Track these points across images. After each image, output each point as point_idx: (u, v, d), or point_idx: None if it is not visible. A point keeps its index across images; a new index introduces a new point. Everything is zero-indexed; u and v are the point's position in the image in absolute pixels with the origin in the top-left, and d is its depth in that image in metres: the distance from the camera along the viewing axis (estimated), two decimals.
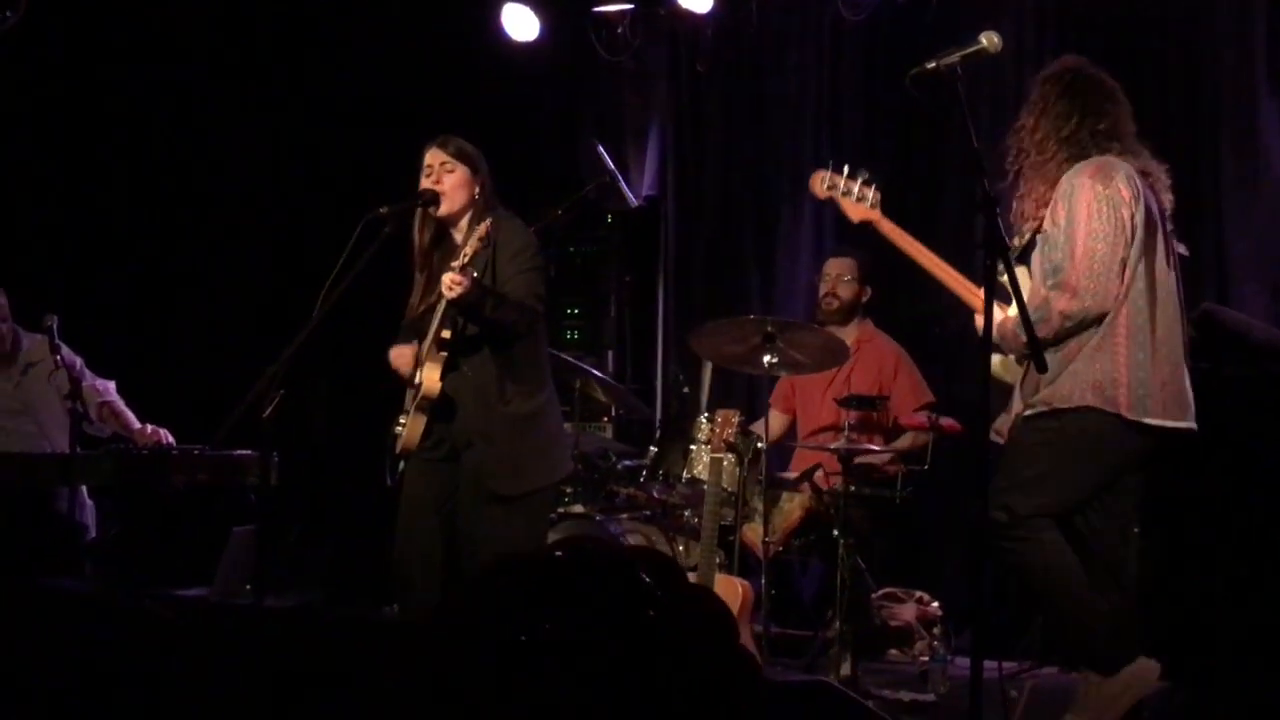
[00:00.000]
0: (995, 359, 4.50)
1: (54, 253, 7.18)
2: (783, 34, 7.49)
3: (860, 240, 7.04)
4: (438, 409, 4.78)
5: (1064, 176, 4.29)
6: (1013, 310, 4.11)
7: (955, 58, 3.80)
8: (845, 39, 7.34)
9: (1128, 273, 4.25)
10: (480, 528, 4.76)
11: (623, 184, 6.71)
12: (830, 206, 7.27)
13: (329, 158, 7.88)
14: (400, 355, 4.87)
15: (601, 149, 6.68)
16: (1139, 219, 4.27)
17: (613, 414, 7.20)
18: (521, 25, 7.61)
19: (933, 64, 3.81)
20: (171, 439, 6.34)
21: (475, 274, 4.57)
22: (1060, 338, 4.24)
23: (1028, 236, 4.32)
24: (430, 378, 4.74)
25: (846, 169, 4.71)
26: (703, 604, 1.96)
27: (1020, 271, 4.31)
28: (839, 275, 6.45)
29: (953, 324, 6.69)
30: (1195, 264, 5.41)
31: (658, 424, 7.27)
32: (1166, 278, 4.36)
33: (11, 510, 6.12)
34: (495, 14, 7.58)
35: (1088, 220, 4.21)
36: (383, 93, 7.82)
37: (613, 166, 6.65)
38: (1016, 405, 4.43)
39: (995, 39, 3.84)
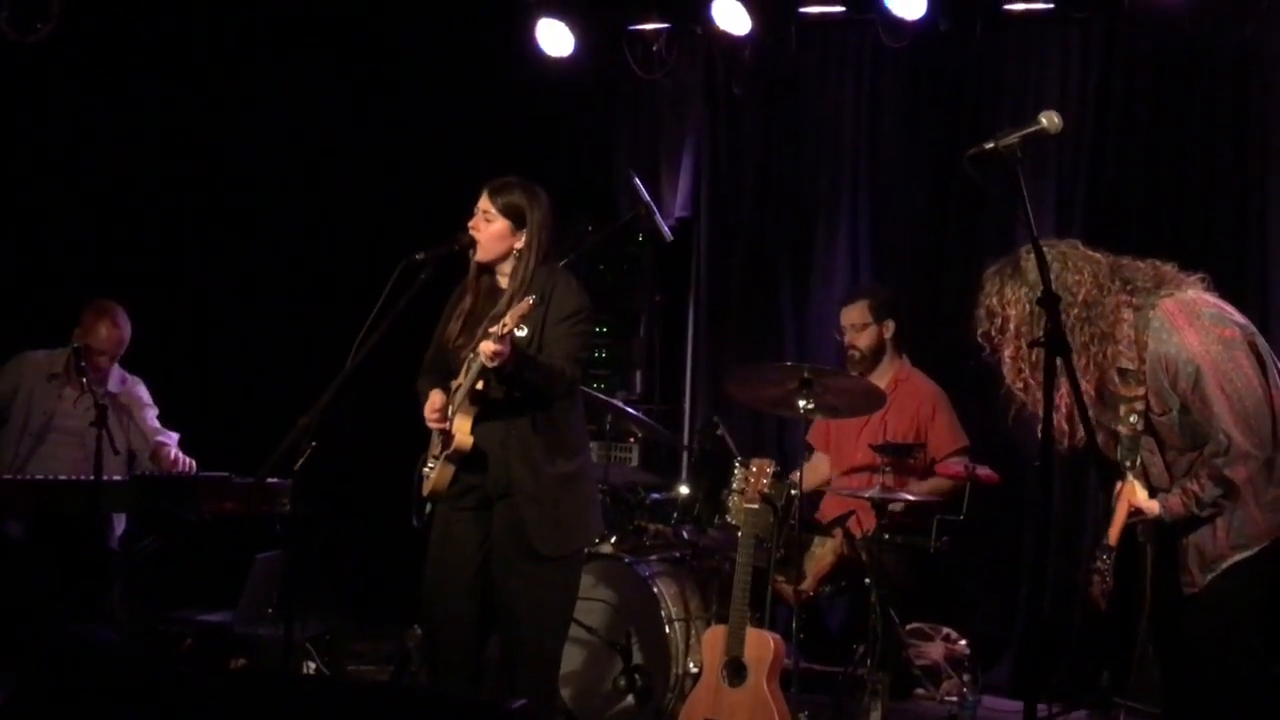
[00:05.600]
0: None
1: (93, 279, 7.14)
2: (822, 58, 7.40)
3: (884, 274, 7.07)
4: (467, 460, 4.71)
5: (1151, 341, 4.17)
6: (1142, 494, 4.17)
7: (1014, 138, 3.70)
8: (885, 65, 7.24)
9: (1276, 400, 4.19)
10: (518, 582, 4.70)
11: (658, 218, 6.59)
12: (865, 230, 7.33)
13: (360, 173, 7.81)
14: (431, 407, 4.76)
15: (638, 181, 6.57)
16: (1255, 343, 4.22)
17: (639, 435, 7.13)
18: (556, 40, 7.51)
19: (991, 144, 3.70)
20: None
21: (515, 339, 4.46)
22: None
23: (1138, 423, 4.18)
24: (462, 429, 4.67)
25: None
26: None
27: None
28: (852, 324, 6.38)
29: (986, 359, 6.65)
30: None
31: (684, 452, 7.21)
32: None
33: (41, 534, 6.11)
34: (530, 28, 7.48)
35: (1221, 386, 4.11)
36: (416, 102, 7.75)
37: (648, 198, 6.54)
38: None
39: (1056, 119, 3.74)
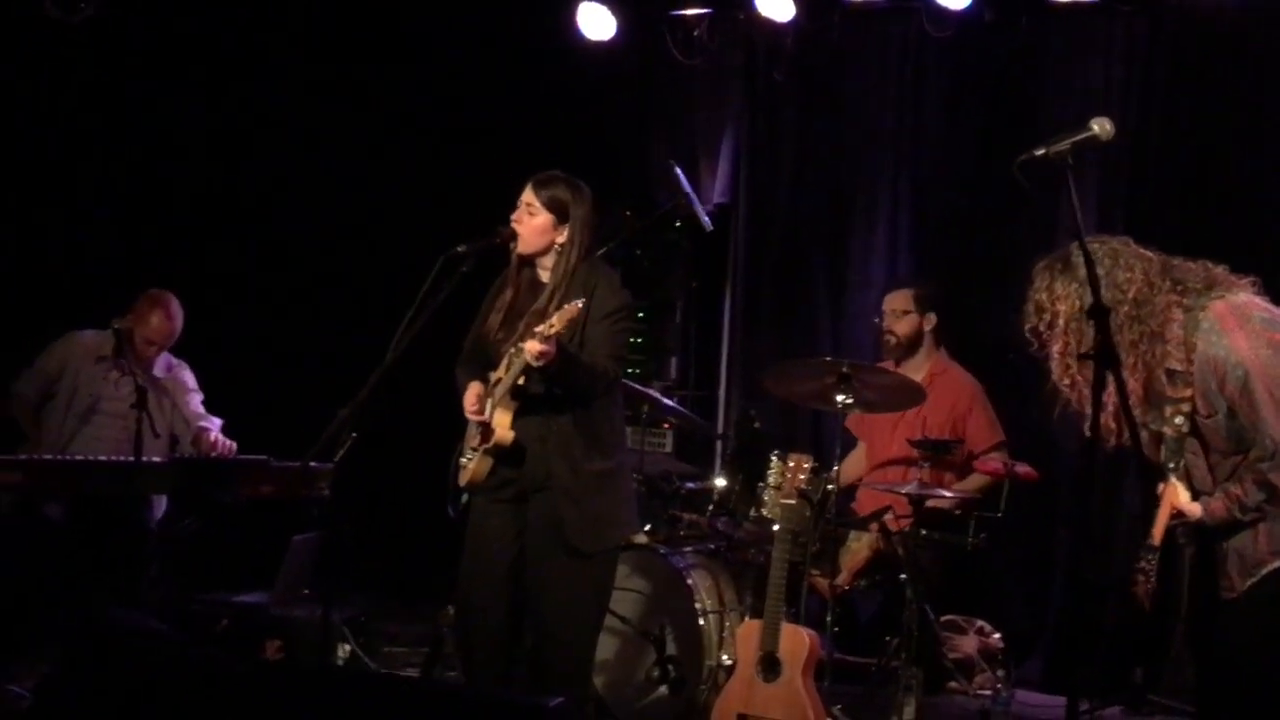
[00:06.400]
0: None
1: (136, 263, 7.18)
2: (864, 46, 7.37)
3: (923, 266, 7.04)
4: (506, 453, 4.72)
5: (1200, 343, 4.09)
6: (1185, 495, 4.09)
7: (1066, 145, 3.67)
8: (928, 54, 7.20)
9: None
10: (553, 577, 4.72)
11: (698, 208, 6.55)
12: (904, 219, 7.30)
13: (400, 162, 7.80)
14: (471, 399, 4.77)
15: (679, 171, 6.55)
16: None
17: (673, 422, 7.12)
18: (598, 24, 7.50)
19: (1042, 151, 3.67)
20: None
21: (560, 340, 4.46)
22: None
23: (1184, 425, 4.14)
24: (502, 424, 4.67)
25: None
26: None
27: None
28: (893, 310, 6.37)
29: (1027, 353, 6.62)
30: None
31: (717, 442, 7.20)
32: None
33: (80, 516, 6.14)
34: (571, 12, 7.47)
35: (1269, 390, 4.04)
36: (457, 88, 7.75)
37: (689, 189, 6.52)
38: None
39: (1108, 125, 3.71)
